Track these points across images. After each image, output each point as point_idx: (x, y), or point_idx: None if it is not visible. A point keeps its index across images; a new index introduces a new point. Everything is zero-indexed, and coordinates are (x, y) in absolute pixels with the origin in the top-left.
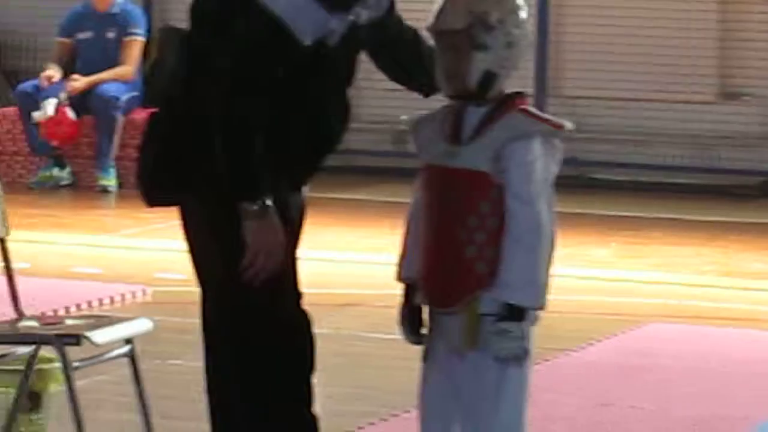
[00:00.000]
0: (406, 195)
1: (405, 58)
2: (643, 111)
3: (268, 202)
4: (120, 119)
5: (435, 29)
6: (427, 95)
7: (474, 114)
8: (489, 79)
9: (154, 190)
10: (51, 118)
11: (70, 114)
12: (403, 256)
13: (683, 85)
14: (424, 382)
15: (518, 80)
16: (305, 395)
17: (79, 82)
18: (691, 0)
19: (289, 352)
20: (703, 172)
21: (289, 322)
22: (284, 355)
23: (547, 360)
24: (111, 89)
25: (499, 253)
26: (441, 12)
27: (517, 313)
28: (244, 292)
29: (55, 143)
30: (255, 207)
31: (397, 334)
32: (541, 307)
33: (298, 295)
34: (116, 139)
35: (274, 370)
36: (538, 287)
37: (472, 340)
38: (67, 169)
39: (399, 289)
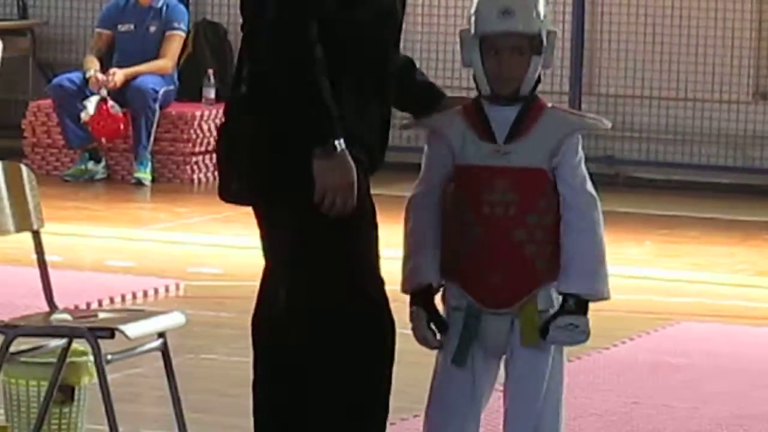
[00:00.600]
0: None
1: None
2: (679, 110)
3: (338, 143)
4: (157, 112)
5: (502, 31)
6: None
7: (500, 113)
8: (538, 82)
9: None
10: (95, 116)
11: (115, 109)
12: (417, 261)
13: (719, 85)
14: (449, 383)
15: (555, 78)
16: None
17: (118, 75)
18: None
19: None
20: (738, 172)
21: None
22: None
23: (579, 358)
24: (149, 81)
25: (555, 248)
26: (508, 13)
27: (584, 306)
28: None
29: (104, 140)
30: (323, 148)
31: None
32: (608, 297)
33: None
34: (153, 132)
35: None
36: (605, 277)
37: (533, 335)
38: (102, 163)
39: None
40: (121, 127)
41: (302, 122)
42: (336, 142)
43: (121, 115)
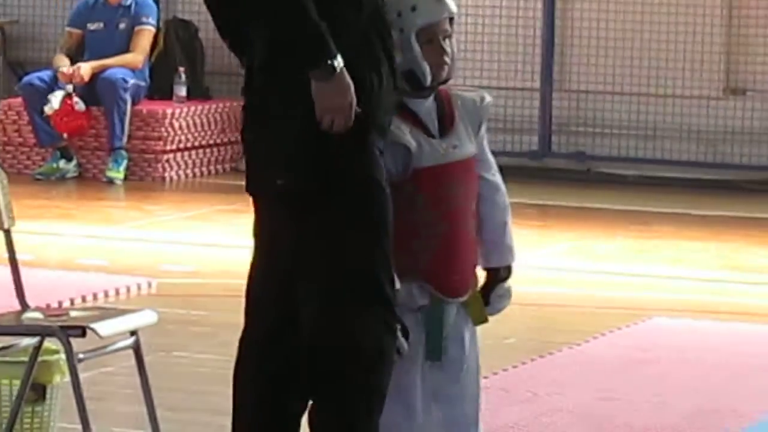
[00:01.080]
0: None
1: None
2: (651, 106)
3: (336, 62)
4: (129, 102)
5: (443, 18)
6: None
7: (421, 106)
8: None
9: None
10: (58, 111)
11: (79, 105)
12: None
13: (691, 81)
14: (413, 385)
15: (526, 75)
16: None
17: (84, 69)
18: None
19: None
20: (709, 167)
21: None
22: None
23: (551, 353)
24: (117, 73)
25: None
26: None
27: (510, 272)
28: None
29: (65, 135)
30: (320, 69)
31: None
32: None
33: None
34: (127, 124)
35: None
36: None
37: (484, 314)
38: (74, 162)
39: None
40: (84, 123)
41: (296, 48)
42: (332, 62)
43: (84, 111)
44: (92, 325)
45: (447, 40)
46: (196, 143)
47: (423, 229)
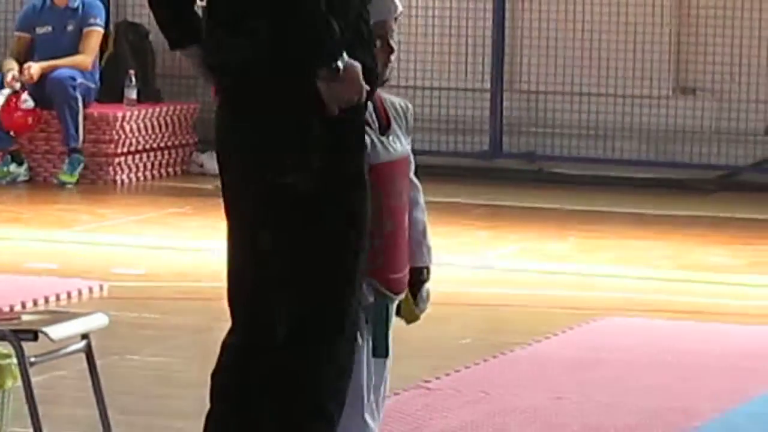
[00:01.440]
0: None
1: None
2: (600, 105)
3: (339, 63)
4: (80, 100)
5: (395, 16)
6: None
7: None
8: None
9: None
10: (3, 108)
11: (27, 102)
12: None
13: (640, 80)
14: (367, 379)
15: (476, 75)
16: None
17: (34, 69)
18: None
19: None
20: (659, 167)
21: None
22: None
23: (503, 353)
24: (65, 72)
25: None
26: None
27: (430, 274)
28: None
29: (12, 133)
30: (325, 70)
31: None
32: None
33: None
34: (81, 123)
35: None
36: None
37: (414, 312)
38: (25, 165)
39: None
40: (30, 120)
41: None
42: (338, 63)
43: (32, 109)
44: (44, 329)
45: (392, 38)
46: (147, 146)
47: (373, 227)
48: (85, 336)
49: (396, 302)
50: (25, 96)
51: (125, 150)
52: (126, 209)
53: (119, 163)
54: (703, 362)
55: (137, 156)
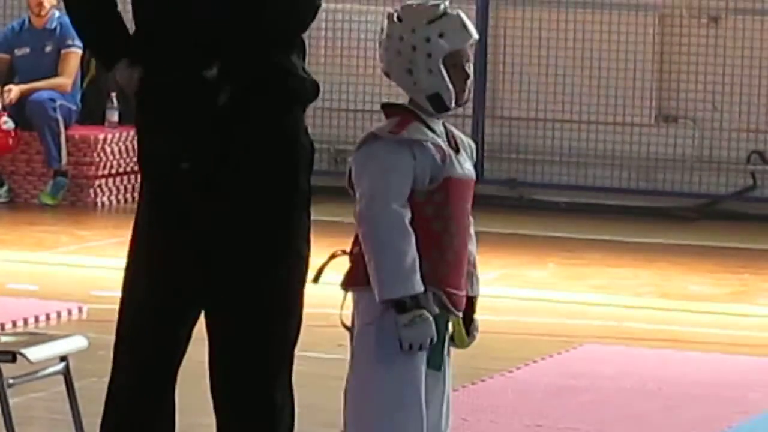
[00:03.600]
0: (343, 214)
1: None
2: (582, 133)
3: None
4: (61, 122)
5: (470, 43)
6: None
7: (436, 124)
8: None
9: None
10: None
11: (7, 123)
12: (414, 269)
13: (622, 108)
14: (419, 386)
15: None
16: None
17: (13, 92)
18: (630, 23)
19: None
20: (641, 194)
21: None
22: None
23: (483, 380)
24: (44, 94)
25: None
26: (467, 25)
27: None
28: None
29: None
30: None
31: (334, 353)
32: None
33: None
34: (63, 144)
35: None
36: None
37: (464, 338)
38: (5, 187)
39: (335, 308)
40: (10, 142)
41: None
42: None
43: (11, 130)
44: (22, 351)
45: (468, 64)
46: (128, 168)
47: (444, 239)
48: (63, 358)
49: (452, 320)
50: (5, 118)
51: (106, 172)
52: (106, 231)
53: (100, 186)
54: (685, 391)
55: (118, 178)
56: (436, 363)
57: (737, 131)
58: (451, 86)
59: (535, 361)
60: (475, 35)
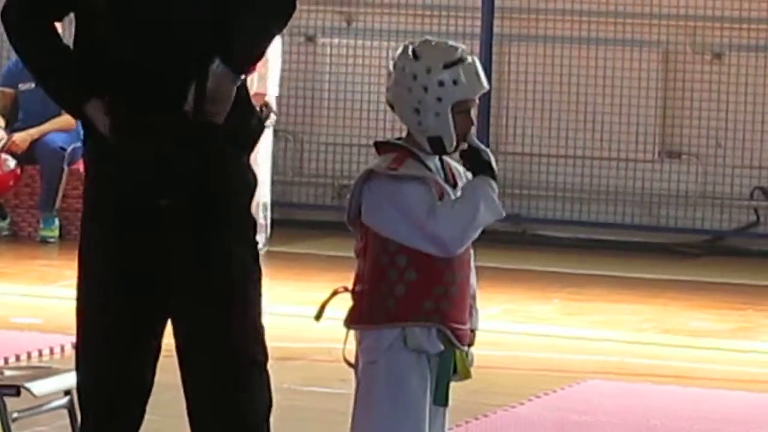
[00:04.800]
0: (347, 249)
1: None
2: (585, 168)
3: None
4: (66, 170)
5: (480, 93)
6: None
7: (430, 160)
8: None
9: None
10: None
11: (8, 163)
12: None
13: (626, 144)
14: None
15: None
16: None
17: (20, 139)
18: (634, 59)
19: None
20: (644, 230)
21: None
22: None
23: (485, 415)
24: (57, 140)
25: None
26: (480, 75)
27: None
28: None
29: None
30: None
31: (336, 387)
32: None
33: None
34: (61, 190)
35: None
36: None
37: (468, 370)
38: (8, 220)
39: (336, 343)
40: (11, 182)
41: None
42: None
43: (13, 170)
44: (27, 385)
45: (472, 110)
46: None
47: (447, 276)
48: (67, 392)
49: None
50: (5, 156)
51: None
52: None
53: None
54: (687, 427)
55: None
56: (442, 399)
57: (740, 167)
58: (454, 132)
59: (538, 397)
60: (486, 86)
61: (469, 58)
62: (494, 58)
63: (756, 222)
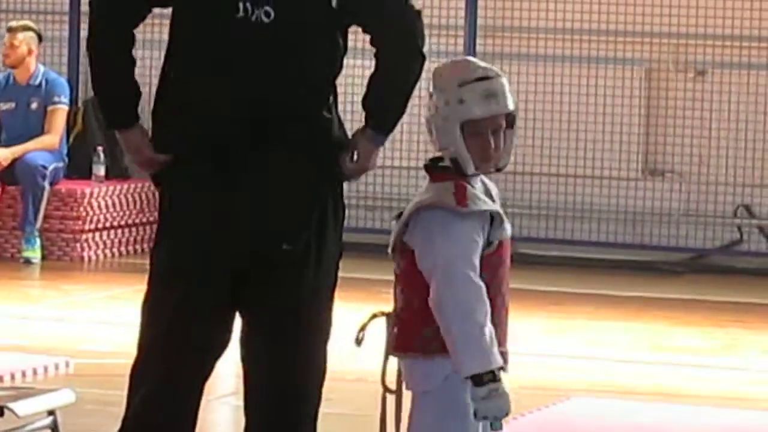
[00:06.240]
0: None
1: None
2: (569, 186)
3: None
4: (47, 189)
5: (490, 114)
6: None
7: (474, 181)
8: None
9: None
10: None
11: None
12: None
13: (610, 162)
14: None
15: None
16: None
17: (5, 158)
18: (618, 77)
19: None
20: (628, 248)
21: None
22: None
23: None
24: (38, 158)
25: None
26: (493, 96)
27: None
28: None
29: None
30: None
31: (323, 407)
32: None
33: None
34: (42, 209)
35: None
36: None
37: None
38: None
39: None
40: None
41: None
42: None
43: None
44: (10, 405)
45: (501, 133)
46: (115, 223)
47: (498, 302)
48: (51, 412)
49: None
50: None
51: (93, 226)
52: (93, 286)
53: (87, 240)
54: None
55: (105, 233)
56: (498, 424)
57: (724, 185)
58: (467, 153)
59: (522, 415)
60: (504, 108)
61: (490, 79)
62: None
63: (740, 240)
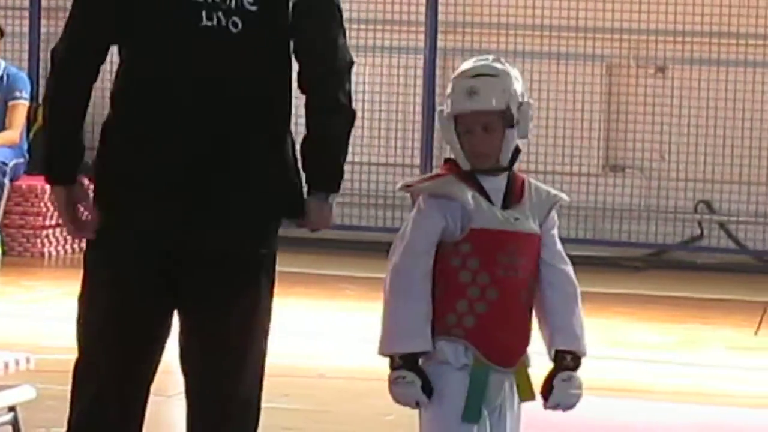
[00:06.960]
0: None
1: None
2: None
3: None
4: (7, 185)
5: (470, 110)
6: None
7: (491, 182)
8: (517, 153)
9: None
10: None
11: None
12: (411, 328)
13: (570, 158)
14: None
15: (405, 151)
16: None
17: None
18: (578, 73)
19: None
20: (588, 244)
21: None
22: None
23: None
24: None
25: (532, 310)
26: (474, 93)
27: (579, 363)
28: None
29: None
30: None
31: (280, 402)
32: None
33: None
34: (3, 205)
35: None
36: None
37: (531, 392)
38: None
39: (276, 358)
40: None
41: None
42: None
43: None
44: None
45: (497, 131)
46: None
47: (471, 291)
48: (12, 408)
49: (503, 374)
50: None
51: (53, 222)
52: (53, 281)
53: (47, 236)
54: None
55: (65, 228)
56: (471, 416)
57: (684, 181)
58: (459, 149)
59: None
60: (485, 105)
61: (481, 75)
62: (438, 72)
63: (700, 235)
